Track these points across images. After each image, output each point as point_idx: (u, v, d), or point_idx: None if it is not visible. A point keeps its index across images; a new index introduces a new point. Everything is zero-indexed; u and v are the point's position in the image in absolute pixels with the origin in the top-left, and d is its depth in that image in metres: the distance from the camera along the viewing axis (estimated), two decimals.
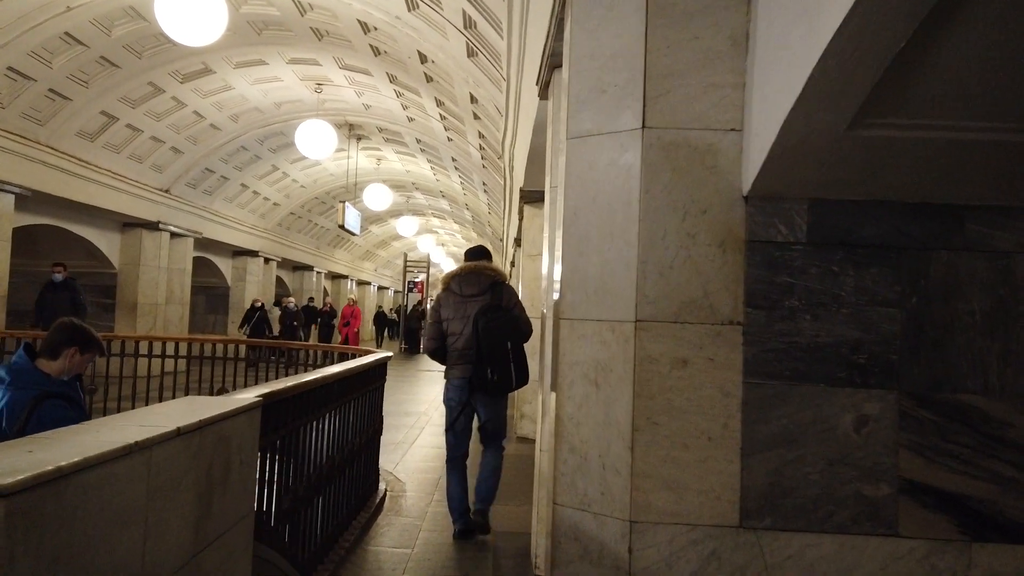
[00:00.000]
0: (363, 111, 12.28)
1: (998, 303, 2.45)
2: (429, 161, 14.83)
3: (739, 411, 2.44)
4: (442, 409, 4.60)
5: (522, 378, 4.28)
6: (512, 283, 6.59)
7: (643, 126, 2.51)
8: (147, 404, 6.37)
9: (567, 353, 2.64)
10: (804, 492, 2.43)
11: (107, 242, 12.38)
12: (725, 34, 2.51)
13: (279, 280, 20.24)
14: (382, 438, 5.44)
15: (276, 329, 16.12)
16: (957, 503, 2.42)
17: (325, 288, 23.99)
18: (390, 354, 5.79)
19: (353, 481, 4.38)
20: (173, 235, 13.40)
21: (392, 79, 9.99)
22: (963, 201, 2.46)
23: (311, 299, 20.32)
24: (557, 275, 2.83)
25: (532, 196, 7.26)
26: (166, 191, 12.80)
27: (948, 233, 2.47)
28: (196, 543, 1.87)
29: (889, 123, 2.16)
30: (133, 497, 1.53)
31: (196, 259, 14.85)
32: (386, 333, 28.61)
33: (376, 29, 8.24)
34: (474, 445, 4.59)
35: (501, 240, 16.00)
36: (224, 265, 17.18)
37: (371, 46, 8.86)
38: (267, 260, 18.44)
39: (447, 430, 4.49)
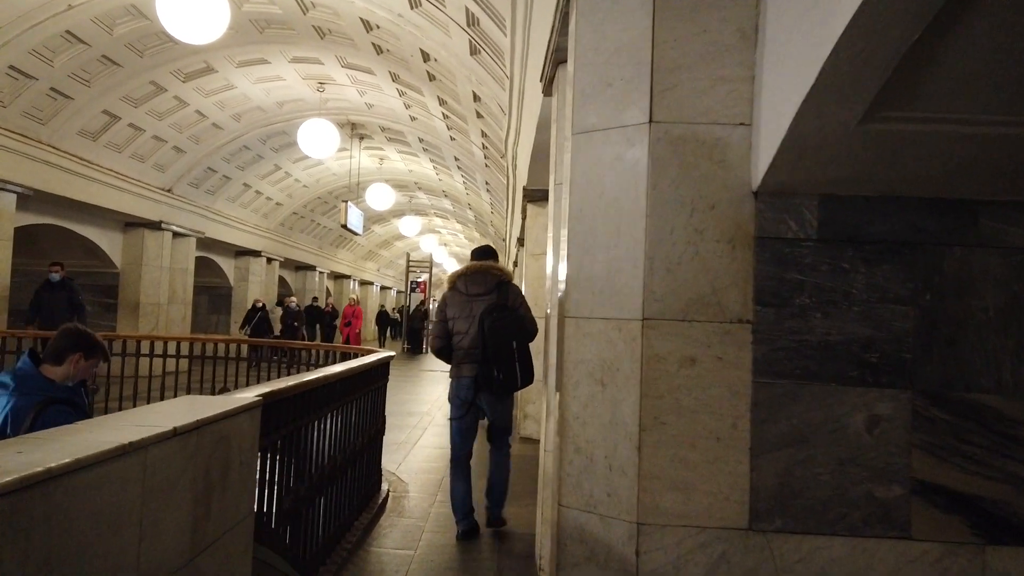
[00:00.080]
0: (365, 110, 12.24)
1: (1012, 300, 2.40)
2: (432, 160, 14.79)
3: (748, 411, 2.40)
4: (445, 409, 4.57)
5: (527, 377, 4.30)
6: (516, 283, 6.54)
7: (650, 120, 2.47)
8: (148, 404, 6.33)
9: (572, 352, 2.60)
10: (815, 493, 2.39)
11: (109, 242, 12.36)
12: (734, 27, 2.47)
13: (282, 280, 20.22)
14: (385, 438, 5.40)
15: (277, 329, 16.09)
16: (971, 505, 2.37)
17: (328, 288, 23.96)
18: (392, 354, 5.75)
19: (355, 482, 4.34)
20: (175, 235, 13.37)
21: (395, 78, 9.95)
22: (977, 196, 2.41)
23: (315, 299, 20.29)
24: (562, 273, 2.79)
25: (535, 195, 7.23)
26: (168, 191, 12.77)
27: (962, 229, 2.42)
28: (194, 546, 1.83)
29: (902, 117, 2.11)
30: (127, 499, 1.49)
31: (198, 259, 14.82)
32: (389, 333, 28.60)
33: (378, 27, 8.20)
34: (478, 445, 4.56)
35: (504, 240, 15.96)
36: (227, 265, 17.16)
37: (373, 44, 8.82)
38: (270, 260, 18.42)
39: (452, 428, 4.48)
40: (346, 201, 15.15)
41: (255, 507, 2.47)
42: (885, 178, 2.37)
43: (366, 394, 4.61)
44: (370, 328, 26.70)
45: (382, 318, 27.89)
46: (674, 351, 2.42)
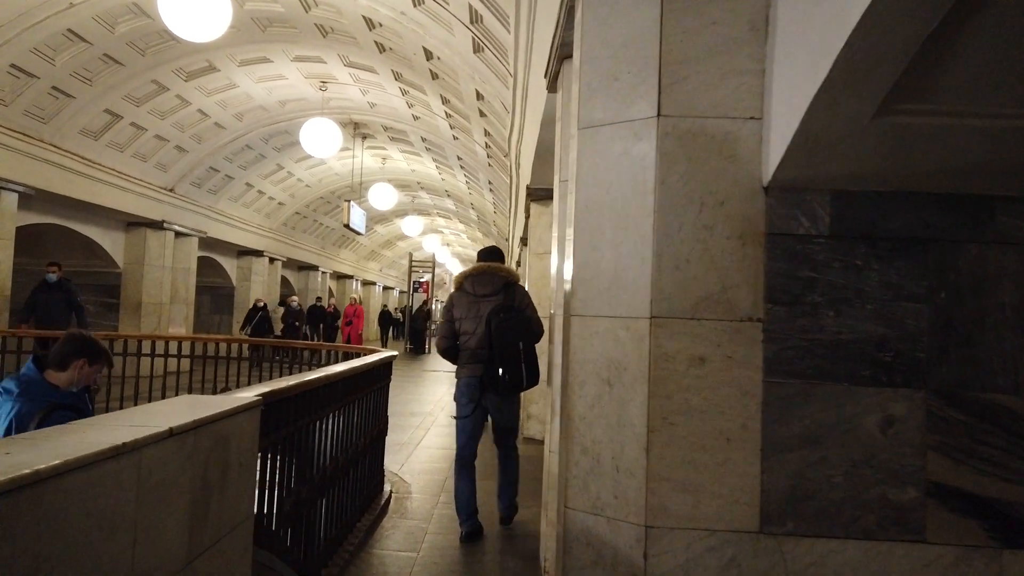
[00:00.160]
0: (368, 109, 12.20)
1: None
2: (434, 160, 14.74)
3: (759, 411, 2.34)
4: (448, 410, 4.54)
5: (533, 378, 4.30)
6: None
7: (658, 114, 2.42)
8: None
9: (579, 351, 2.55)
10: (827, 496, 2.33)
11: (111, 241, 12.33)
12: (744, 19, 2.41)
13: (284, 280, 20.19)
14: (387, 439, 5.35)
15: (278, 329, 16.05)
16: (987, 507, 2.31)
17: (330, 288, 23.93)
18: (395, 353, 5.70)
19: (357, 483, 4.29)
20: (178, 234, 13.35)
21: (397, 76, 9.91)
22: (993, 192, 2.35)
23: (318, 299, 20.25)
24: (568, 271, 2.73)
25: (539, 194, 7.18)
26: (170, 190, 12.74)
27: (978, 225, 2.36)
28: (191, 549, 1.78)
29: (917, 110, 2.06)
30: (121, 501, 1.44)
31: (201, 259, 14.80)
32: (391, 333, 28.57)
33: (381, 25, 8.16)
34: (482, 446, 4.53)
35: (507, 239, 15.89)
36: (229, 265, 17.14)
37: (376, 43, 8.78)
38: (272, 260, 18.39)
39: (457, 427, 4.46)
40: (349, 201, 15.11)
41: (255, 509, 2.42)
42: (899, 173, 2.31)
43: (368, 394, 4.57)
44: (372, 328, 26.66)
45: (385, 318, 27.85)
46: (683, 350, 2.37)
